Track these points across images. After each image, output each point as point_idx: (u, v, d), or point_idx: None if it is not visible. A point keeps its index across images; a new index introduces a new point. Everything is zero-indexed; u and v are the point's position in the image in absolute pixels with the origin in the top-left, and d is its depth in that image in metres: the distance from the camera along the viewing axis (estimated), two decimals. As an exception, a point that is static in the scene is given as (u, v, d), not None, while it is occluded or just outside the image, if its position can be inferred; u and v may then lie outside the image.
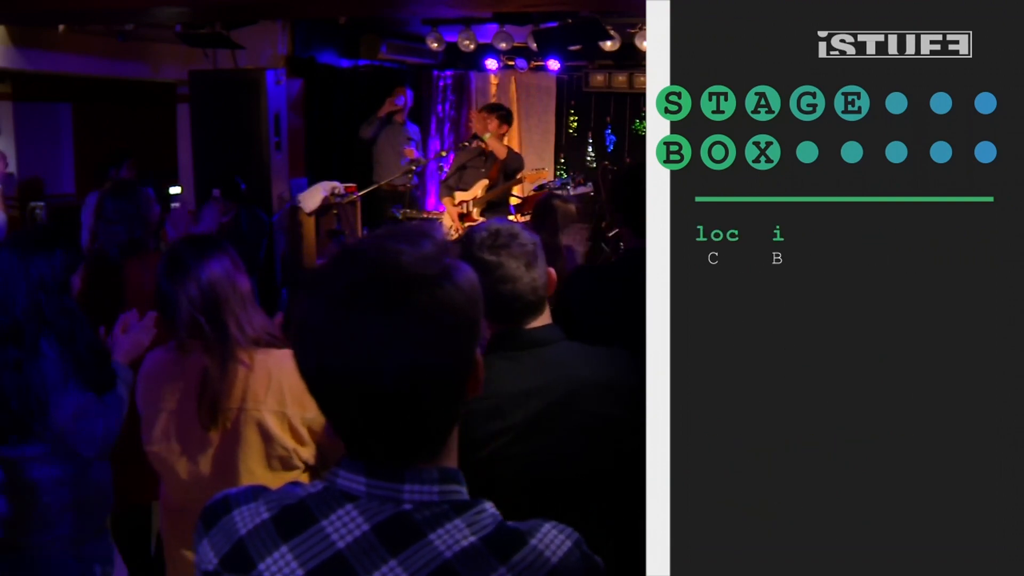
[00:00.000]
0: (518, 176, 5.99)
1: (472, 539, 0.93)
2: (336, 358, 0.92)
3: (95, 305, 2.69)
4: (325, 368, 0.93)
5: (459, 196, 5.97)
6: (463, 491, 0.99)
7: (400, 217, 6.47)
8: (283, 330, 2.21)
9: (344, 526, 0.94)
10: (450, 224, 5.98)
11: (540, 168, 6.90)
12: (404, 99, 6.91)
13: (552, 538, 0.97)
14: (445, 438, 0.99)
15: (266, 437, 2.02)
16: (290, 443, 2.02)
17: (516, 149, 8.86)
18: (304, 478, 2.06)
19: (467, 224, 5.86)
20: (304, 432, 2.02)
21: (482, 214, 5.91)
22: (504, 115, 6.02)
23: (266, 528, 0.96)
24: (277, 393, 2.01)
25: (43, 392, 2.20)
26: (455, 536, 0.93)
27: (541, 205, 3.41)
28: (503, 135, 5.99)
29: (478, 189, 5.95)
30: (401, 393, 0.92)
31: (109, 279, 3.12)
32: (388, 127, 6.92)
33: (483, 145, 5.94)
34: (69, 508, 2.30)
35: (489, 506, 0.99)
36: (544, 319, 1.71)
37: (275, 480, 2.03)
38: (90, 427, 2.23)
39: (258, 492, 1.01)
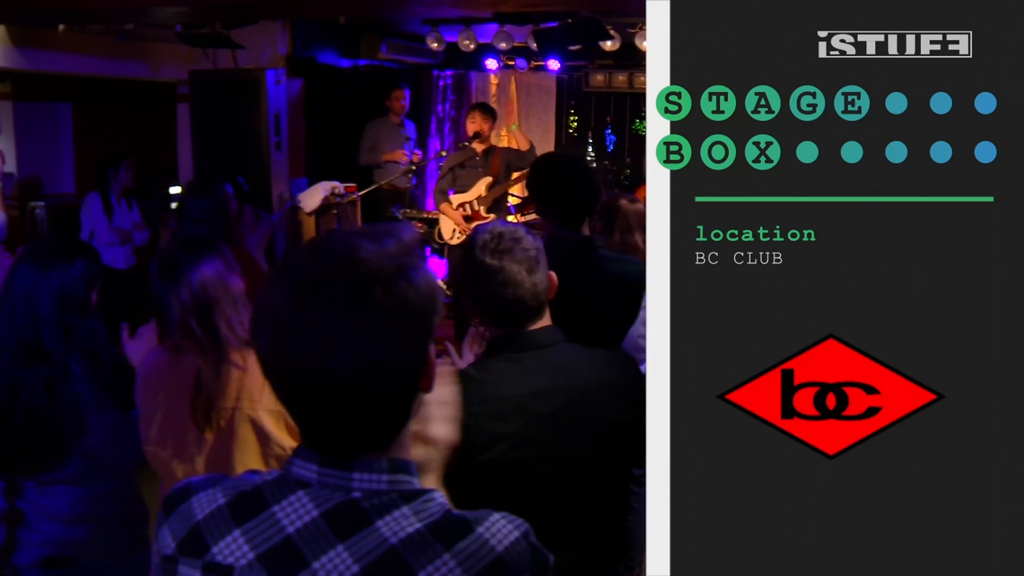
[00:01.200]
0: (525, 162, 5.93)
1: (418, 525, 0.96)
2: (291, 347, 0.94)
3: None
4: (280, 356, 0.96)
5: (457, 199, 5.95)
6: (413, 481, 1.01)
7: (400, 217, 6.47)
8: None
9: (295, 511, 0.97)
10: (453, 228, 5.96)
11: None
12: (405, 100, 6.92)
13: (500, 528, 0.98)
14: (397, 431, 1.01)
15: (262, 436, 2.02)
16: (287, 441, 2.02)
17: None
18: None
19: (476, 223, 5.83)
20: None
21: (489, 211, 5.91)
22: (490, 113, 6.00)
23: (221, 513, 0.99)
24: (272, 392, 2.02)
25: (78, 414, 2.16)
26: (401, 523, 0.96)
27: (607, 207, 3.39)
28: (494, 132, 5.97)
29: (481, 188, 5.93)
30: (352, 385, 0.94)
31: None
32: (386, 127, 6.92)
33: (479, 145, 5.93)
34: (115, 519, 2.31)
35: (438, 495, 1.01)
36: (544, 321, 1.71)
37: None
38: (126, 444, 2.22)
39: (217, 480, 1.04)
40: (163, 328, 2.11)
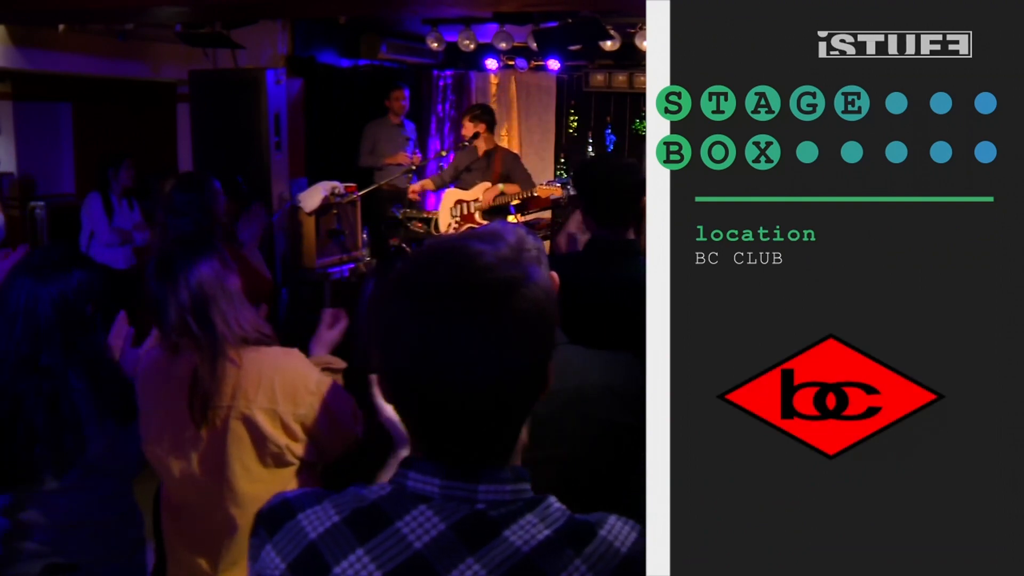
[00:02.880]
0: (530, 192, 5.99)
1: (547, 532, 0.95)
2: (430, 363, 0.92)
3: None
4: (415, 372, 0.93)
5: (455, 195, 5.97)
6: (529, 488, 1.00)
7: (400, 217, 6.47)
8: (279, 327, 2.20)
9: (420, 526, 0.94)
10: (447, 222, 5.98)
11: (552, 182, 6.94)
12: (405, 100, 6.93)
13: (619, 529, 1.01)
14: (518, 440, 1.01)
15: (258, 435, 2.02)
16: (283, 440, 2.03)
17: (516, 148, 8.88)
18: (291, 476, 2.06)
19: (467, 226, 5.88)
20: (297, 428, 2.03)
21: (484, 217, 5.92)
22: (478, 116, 6.00)
23: (339, 530, 0.96)
24: (268, 391, 2.02)
25: (78, 428, 2.16)
26: (530, 531, 0.95)
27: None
28: (484, 134, 5.98)
29: (479, 191, 5.95)
30: (491, 397, 0.93)
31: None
32: (385, 128, 6.93)
33: (481, 144, 5.95)
34: (114, 523, 2.30)
35: (554, 500, 1.01)
36: None
37: (270, 477, 2.03)
38: (125, 454, 2.22)
39: (321, 495, 1.00)
40: (159, 327, 2.11)
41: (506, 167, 5.97)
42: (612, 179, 2.49)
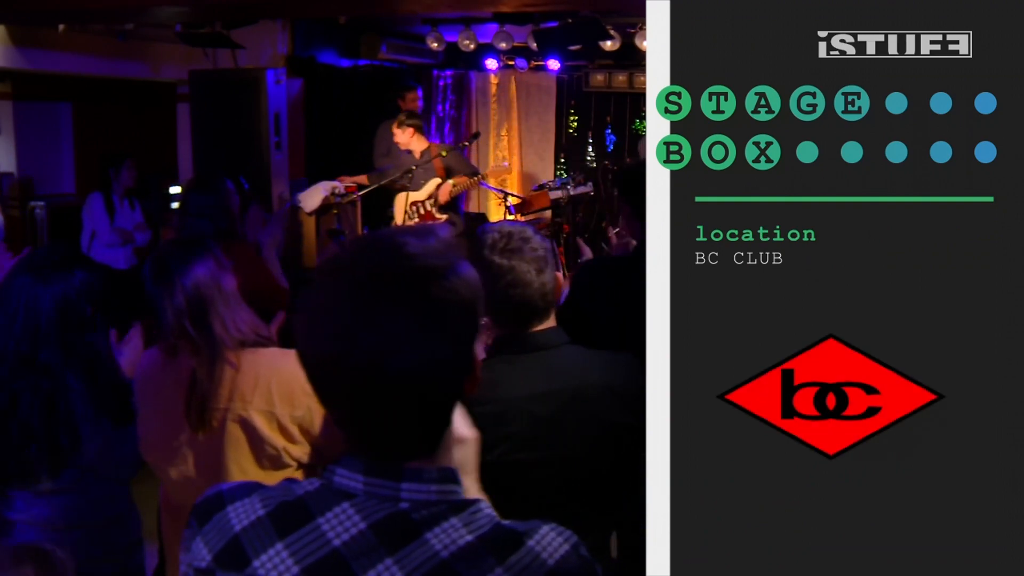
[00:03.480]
0: (479, 178, 6.16)
1: (469, 538, 0.93)
2: (352, 348, 0.91)
3: None
4: (340, 358, 0.93)
5: (412, 196, 6.08)
6: (460, 491, 0.99)
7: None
8: (283, 328, 2.20)
9: (340, 524, 0.94)
10: (404, 214, 6.08)
11: (551, 184, 7.01)
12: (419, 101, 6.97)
13: (550, 540, 0.96)
14: (442, 436, 0.99)
15: (255, 437, 2.02)
16: (279, 442, 2.02)
17: (516, 148, 8.87)
18: (298, 476, 2.06)
19: (427, 222, 6.00)
20: (294, 430, 2.02)
21: (441, 211, 6.08)
22: (404, 122, 6.11)
23: (262, 524, 0.96)
24: (265, 392, 2.01)
25: (74, 428, 2.15)
26: (452, 535, 0.93)
27: None
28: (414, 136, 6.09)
29: (431, 187, 6.05)
30: (412, 384, 0.92)
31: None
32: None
33: (415, 149, 6.05)
34: (111, 524, 2.30)
35: (485, 506, 0.99)
36: (549, 322, 1.71)
37: (267, 479, 2.02)
38: (121, 456, 2.21)
39: (252, 488, 1.01)
40: (157, 329, 2.11)
41: (446, 161, 6.07)
42: None
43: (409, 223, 6.07)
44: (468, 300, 0.95)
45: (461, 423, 1.21)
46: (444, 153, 6.09)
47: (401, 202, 6.16)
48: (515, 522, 0.98)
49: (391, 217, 6.52)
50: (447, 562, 0.92)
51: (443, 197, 6.03)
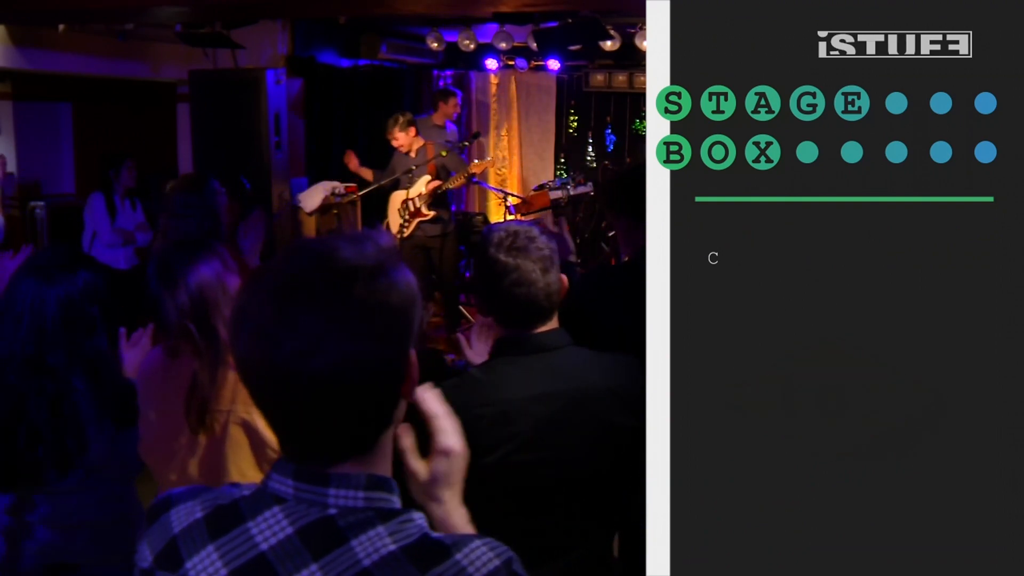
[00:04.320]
0: (467, 172, 6.19)
1: (392, 548, 0.93)
2: (272, 348, 0.92)
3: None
4: (261, 358, 0.93)
5: (403, 195, 6.09)
6: (393, 499, 0.98)
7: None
8: None
9: (269, 528, 0.95)
10: (397, 222, 6.09)
11: (551, 184, 7.04)
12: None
13: (479, 555, 0.95)
14: (375, 441, 0.99)
15: (256, 440, 2.01)
16: None
17: (516, 148, 8.88)
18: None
19: (416, 221, 6.00)
20: None
21: (430, 208, 6.10)
22: (405, 124, 6.13)
23: (198, 527, 0.97)
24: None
25: (79, 429, 2.15)
26: (376, 544, 0.93)
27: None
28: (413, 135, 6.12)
29: (421, 186, 6.05)
30: (333, 385, 0.92)
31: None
32: (427, 127, 6.93)
33: (412, 148, 6.06)
34: (117, 524, 2.30)
35: (418, 516, 0.98)
36: (552, 324, 1.70)
37: None
38: (125, 457, 2.21)
39: (197, 492, 1.02)
40: (161, 330, 2.11)
41: (443, 161, 6.10)
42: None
43: (402, 222, 6.08)
44: (396, 304, 0.95)
45: (449, 435, 1.21)
46: (444, 153, 6.10)
47: (396, 201, 6.17)
48: (446, 535, 0.98)
49: (388, 227, 6.53)
50: (368, 570, 0.92)
51: (428, 193, 6.05)
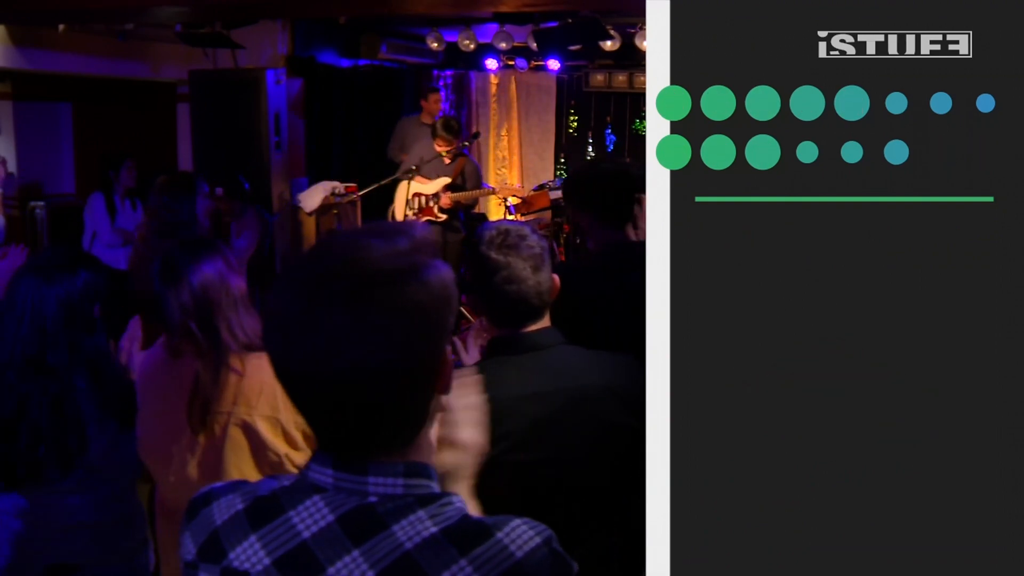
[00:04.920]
0: (481, 191, 6.21)
1: (433, 530, 0.94)
2: (297, 349, 0.93)
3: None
4: (287, 358, 0.95)
5: (417, 188, 6.05)
6: (432, 485, 0.99)
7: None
8: None
9: (310, 516, 0.96)
10: (403, 213, 6.09)
11: (551, 184, 7.04)
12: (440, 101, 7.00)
13: (520, 533, 0.96)
14: (413, 434, 1.00)
15: (257, 442, 2.00)
16: (282, 448, 2.01)
17: (516, 148, 8.88)
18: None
19: (426, 218, 6.00)
20: (298, 437, 2.01)
21: (442, 212, 6.09)
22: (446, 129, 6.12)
23: (238, 518, 0.99)
24: (270, 398, 2.00)
25: (81, 429, 2.15)
26: (417, 527, 0.94)
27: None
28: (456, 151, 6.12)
29: (439, 186, 6.03)
30: (357, 386, 0.93)
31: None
32: (414, 126, 6.93)
33: (445, 149, 6.06)
34: (117, 523, 2.30)
35: (457, 499, 0.99)
36: (544, 323, 1.71)
37: None
38: (126, 457, 2.21)
39: (237, 485, 1.04)
40: (162, 328, 2.11)
41: (463, 171, 6.11)
42: (620, 180, 2.48)
43: (408, 212, 6.08)
44: (426, 303, 0.94)
45: (464, 429, 1.21)
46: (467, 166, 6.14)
47: (403, 192, 6.16)
48: (486, 517, 0.99)
49: (392, 214, 6.53)
50: (410, 553, 0.93)
51: (445, 202, 6.04)
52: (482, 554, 0.93)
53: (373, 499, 0.96)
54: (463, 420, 1.22)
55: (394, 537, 0.94)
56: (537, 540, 0.96)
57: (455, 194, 6.04)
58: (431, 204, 6.08)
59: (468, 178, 6.17)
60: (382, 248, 0.95)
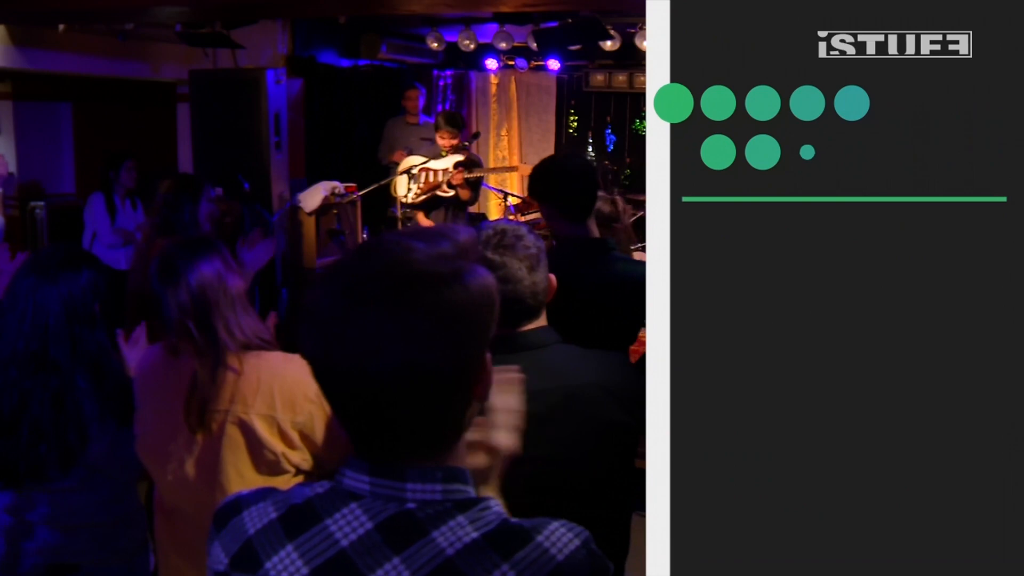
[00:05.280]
0: (502, 166, 6.30)
1: (475, 535, 0.94)
2: (337, 349, 0.92)
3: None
4: (326, 358, 0.94)
5: (425, 163, 6.10)
6: (468, 490, 0.99)
7: (399, 216, 6.47)
8: (279, 330, 2.19)
9: (348, 524, 0.95)
10: (408, 185, 6.15)
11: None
12: (420, 99, 7.00)
13: (559, 536, 0.96)
14: (452, 440, 0.99)
15: (254, 441, 2.00)
16: (279, 447, 2.01)
17: (516, 148, 8.88)
18: (296, 482, 2.05)
19: (431, 193, 6.08)
20: (295, 436, 2.01)
21: (451, 187, 6.12)
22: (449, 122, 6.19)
23: (273, 528, 0.98)
24: (267, 397, 2.00)
25: (81, 426, 2.15)
26: (457, 533, 0.94)
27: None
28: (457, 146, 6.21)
29: (450, 163, 6.13)
30: (396, 389, 0.92)
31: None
32: (400, 127, 6.93)
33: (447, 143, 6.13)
34: (117, 524, 2.30)
35: (494, 503, 0.99)
36: (540, 322, 1.71)
37: (264, 484, 2.01)
38: (126, 456, 2.21)
39: (267, 493, 1.03)
40: (161, 328, 2.10)
41: (468, 158, 6.22)
42: (585, 175, 2.52)
43: (413, 186, 6.11)
44: (468, 309, 0.94)
45: (500, 434, 1.21)
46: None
47: (407, 164, 6.21)
48: (525, 520, 0.98)
49: (392, 217, 6.52)
50: (451, 560, 0.92)
51: (457, 179, 6.09)
52: (524, 558, 0.93)
53: (411, 505, 0.95)
54: (501, 424, 1.22)
55: (435, 543, 0.93)
56: (576, 542, 0.97)
57: (468, 173, 6.10)
58: (440, 179, 6.11)
59: (472, 159, 6.25)
60: (425, 251, 0.94)
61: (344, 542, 0.94)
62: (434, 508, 0.95)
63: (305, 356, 0.97)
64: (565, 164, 2.67)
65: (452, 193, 6.10)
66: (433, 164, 6.14)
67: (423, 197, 6.15)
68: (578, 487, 1.67)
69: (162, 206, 3.27)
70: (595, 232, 2.50)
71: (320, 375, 0.96)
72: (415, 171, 6.18)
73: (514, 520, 0.98)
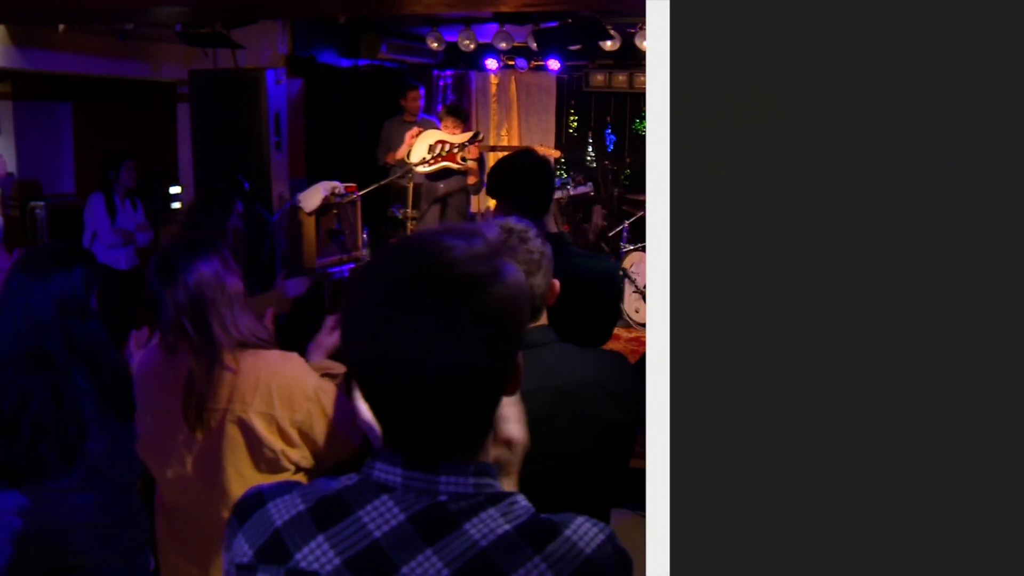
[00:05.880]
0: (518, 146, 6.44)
1: (507, 527, 0.95)
2: (384, 349, 0.93)
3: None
4: (372, 358, 0.95)
5: (446, 136, 6.25)
6: (496, 484, 1.00)
7: (400, 216, 6.48)
8: (279, 329, 2.19)
9: (380, 516, 0.96)
10: (424, 155, 6.25)
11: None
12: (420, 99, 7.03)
13: (586, 530, 0.98)
14: (484, 435, 1.01)
15: (253, 438, 2.01)
16: (278, 445, 2.01)
17: (516, 147, 8.93)
18: (296, 480, 2.05)
19: (445, 164, 6.21)
20: (293, 434, 2.02)
21: (463, 159, 6.29)
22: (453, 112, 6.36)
23: (302, 519, 0.98)
24: (265, 395, 2.00)
25: (81, 424, 2.16)
26: (490, 525, 0.95)
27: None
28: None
29: (466, 136, 6.25)
30: (446, 389, 0.93)
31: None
32: (398, 126, 6.94)
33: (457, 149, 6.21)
34: (118, 523, 2.30)
35: (521, 498, 1.00)
36: (540, 322, 1.71)
37: (263, 481, 2.02)
38: (127, 454, 2.21)
39: (292, 486, 1.03)
40: (158, 327, 2.11)
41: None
42: (539, 172, 2.54)
43: (427, 156, 6.17)
44: (509, 308, 0.96)
45: (513, 426, 1.22)
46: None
47: (427, 138, 6.30)
48: (551, 515, 1.00)
49: (392, 217, 6.52)
50: (485, 552, 0.93)
51: (472, 152, 6.21)
52: (555, 551, 0.94)
53: (443, 498, 0.96)
54: (511, 416, 1.23)
55: (467, 535, 0.94)
56: (601, 537, 0.99)
57: (484, 145, 6.22)
58: (456, 152, 6.19)
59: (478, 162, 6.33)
60: (464, 249, 0.95)
61: (377, 533, 0.95)
62: (467, 501, 0.96)
63: (348, 357, 0.98)
64: (518, 162, 2.70)
65: (464, 166, 6.24)
66: (451, 137, 6.25)
67: (436, 167, 6.24)
68: (575, 485, 1.67)
69: (191, 212, 3.28)
70: (552, 227, 2.52)
71: (365, 377, 0.97)
72: (433, 143, 6.27)
73: (542, 515, 0.99)
